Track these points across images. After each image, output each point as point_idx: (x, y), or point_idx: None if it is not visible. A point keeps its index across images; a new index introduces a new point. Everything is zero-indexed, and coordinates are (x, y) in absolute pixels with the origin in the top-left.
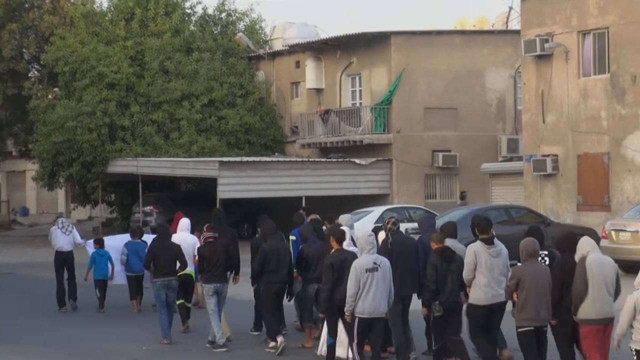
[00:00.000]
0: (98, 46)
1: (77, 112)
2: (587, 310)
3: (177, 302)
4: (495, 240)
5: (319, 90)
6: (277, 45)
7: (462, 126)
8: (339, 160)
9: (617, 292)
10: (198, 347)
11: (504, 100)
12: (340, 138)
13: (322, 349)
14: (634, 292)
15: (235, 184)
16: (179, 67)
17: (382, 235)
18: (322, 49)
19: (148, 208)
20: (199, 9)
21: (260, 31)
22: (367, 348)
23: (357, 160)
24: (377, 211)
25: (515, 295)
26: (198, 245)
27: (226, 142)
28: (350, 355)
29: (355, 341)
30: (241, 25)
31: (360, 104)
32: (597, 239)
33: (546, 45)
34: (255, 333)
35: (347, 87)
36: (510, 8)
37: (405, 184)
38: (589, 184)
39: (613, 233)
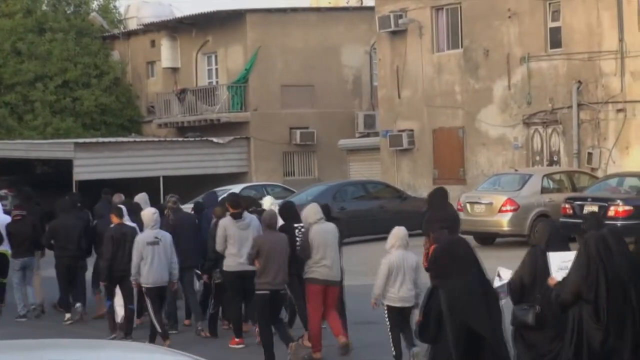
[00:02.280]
0: None
1: None
2: (312, 272)
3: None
4: (245, 214)
5: (174, 70)
6: (132, 25)
7: (319, 103)
8: (197, 139)
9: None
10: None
11: (360, 77)
12: (198, 117)
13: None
14: (387, 256)
15: (92, 166)
16: (31, 47)
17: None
18: (177, 27)
19: (2, 192)
20: None
21: (114, 10)
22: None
23: (214, 139)
24: (235, 189)
25: (257, 262)
26: None
27: (82, 123)
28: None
29: (151, 308)
30: (95, 5)
31: (217, 82)
32: None
33: (400, 21)
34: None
35: (203, 66)
36: None
37: (263, 162)
38: (445, 157)
39: (468, 205)
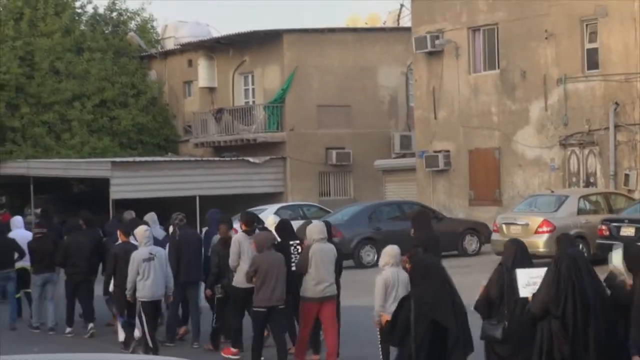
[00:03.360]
0: None
1: None
2: (307, 289)
3: (26, 291)
4: (257, 231)
5: (211, 89)
6: (169, 45)
7: (355, 123)
8: (233, 159)
9: (338, 273)
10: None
11: (397, 97)
12: (234, 137)
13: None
14: (382, 273)
15: (129, 184)
16: (69, 67)
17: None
18: (215, 47)
19: (39, 210)
20: (89, 9)
21: (151, 30)
22: None
23: (250, 159)
24: (270, 209)
25: (254, 280)
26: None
27: (118, 142)
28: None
29: (147, 325)
30: (132, 25)
31: (254, 102)
32: (488, 233)
33: (437, 42)
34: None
35: (240, 85)
36: (402, 5)
37: (299, 182)
38: (481, 178)
39: (504, 226)
